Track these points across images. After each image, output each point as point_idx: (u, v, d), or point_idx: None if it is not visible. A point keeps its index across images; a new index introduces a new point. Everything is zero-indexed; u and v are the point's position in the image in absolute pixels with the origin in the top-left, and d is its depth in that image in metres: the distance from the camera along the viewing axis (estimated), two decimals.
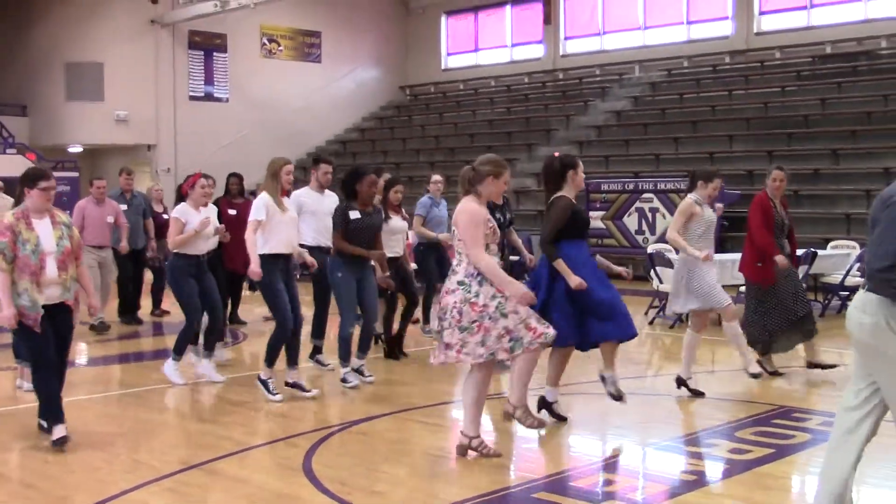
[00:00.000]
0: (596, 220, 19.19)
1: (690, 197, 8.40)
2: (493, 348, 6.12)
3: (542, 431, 6.99)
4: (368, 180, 8.83)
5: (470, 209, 6.21)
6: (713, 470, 6.28)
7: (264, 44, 30.37)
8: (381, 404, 8.12)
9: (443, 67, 32.67)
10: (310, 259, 8.77)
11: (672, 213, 17.57)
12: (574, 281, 6.81)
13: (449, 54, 32.64)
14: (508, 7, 30.82)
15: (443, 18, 32.58)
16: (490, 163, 6.38)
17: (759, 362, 9.02)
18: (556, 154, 7.38)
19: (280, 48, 30.73)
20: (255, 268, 8.03)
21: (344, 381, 8.71)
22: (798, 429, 7.17)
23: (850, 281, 13.27)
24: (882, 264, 4.49)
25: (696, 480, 5.99)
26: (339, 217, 8.71)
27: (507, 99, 29.42)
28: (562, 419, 7.29)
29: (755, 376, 8.80)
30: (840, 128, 20.34)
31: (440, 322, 6.23)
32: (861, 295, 4.73)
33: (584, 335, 7.01)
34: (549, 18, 29.46)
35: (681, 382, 8.27)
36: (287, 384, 8.37)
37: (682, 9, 26.92)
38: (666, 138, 22.73)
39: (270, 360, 8.24)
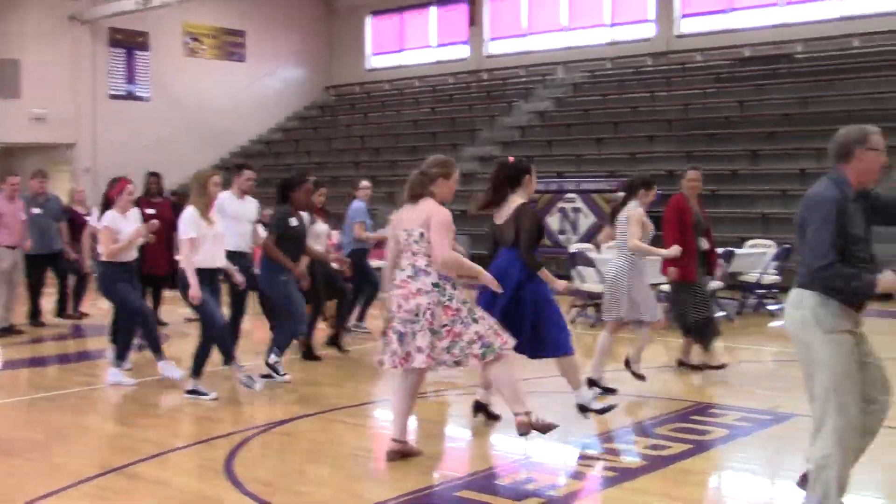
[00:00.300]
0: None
1: (634, 205, 8.42)
2: (458, 356, 6.06)
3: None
4: (306, 188, 9.06)
5: (442, 211, 6.17)
6: (632, 466, 6.37)
7: (187, 42, 30.02)
8: (305, 405, 8.10)
9: (367, 67, 32.64)
10: (239, 279, 8.71)
11: (594, 214, 17.88)
12: (561, 285, 6.98)
13: (374, 54, 32.61)
14: (433, 8, 30.90)
15: (367, 18, 32.53)
16: (438, 164, 6.35)
17: (699, 365, 9.27)
18: (512, 158, 7.29)
19: (203, 47, 30.40)
20: (194, 292, 7.96)
21: (274, 370, 8.79)
22: (715, 424, 7.31)
23: (766, 279, 13.57)
24: (822, 263, 4.66)
25: (616, 477, 6.06)
26: (279, 223, 8.77)
27: (431, 99, 29.49)
28: (495, 418, 7.30)
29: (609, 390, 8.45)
30: (758, 129, 20.76)
31: (408, 324, 6.06)
32: (794, 291, 4.91)
33: (538, 346, 6.99)
34: (473, 19, 29.62)
35: (592, 383, 8.24)
36: (246, 378, 8.41)
37: (605, 11, 27.25)
38: (588, 139, 22.98)
39: (198, 370, 8.25)
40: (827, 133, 18.26)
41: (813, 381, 4.82)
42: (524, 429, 6.17)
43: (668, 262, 9.05)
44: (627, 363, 8.74)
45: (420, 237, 6.12)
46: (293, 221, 8.98)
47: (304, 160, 27.87)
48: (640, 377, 8.62)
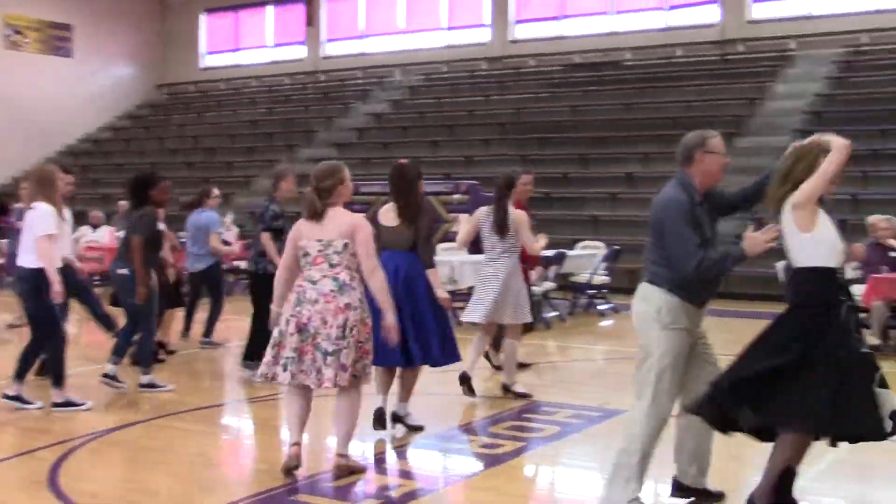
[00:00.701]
0: None
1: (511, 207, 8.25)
2: (360, 372, 5.85)
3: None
4: (162, 186, 8.62)
5: (365, 222, 5.89)
6: (466, 465, 6.48)
7: (8, 35, 28.76)
8: (136, 411, 7.90)
9: (202, 66, 32.05)
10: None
11: (429, 216, 18.00)
12: (442, 294, 6.87)
13: (209, 53, 32.05)
14: (270, 7, 30.58)
15: (202, 16, 31.94)
16: (331, 175, 5.93)
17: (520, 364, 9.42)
18: (405, 161, 7.02)
19: (26, 40, 29.20)
20: (58, 287, 7.49)
21: (152, 385, 8.50)
22: (547, 422, 7.50)
23: (596, 280, 13.99)
24: (693, 262, 4.90)
25: (450, 476, 6.16)
26: (148, 225, 8.36)
27: (268, 99, 29.20)
28: (417, 429, 7.12)
29: (524, 396, 8.37)
30: (588, 134, 21.39)
31: (336, 341, 5.71)
32: (642, 285, 5.21)
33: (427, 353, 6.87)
34: (311, 20, 29.46)
35: (507, 389, 8.28)
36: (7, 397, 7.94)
37: (441, 15, 27.55)
38: (424, 141, 23.20)
39: (21, 373, 7.88)
40: (651, 138, 19.15)
41: (641, 371, 5.12)
42: (341, 472, 5.94)
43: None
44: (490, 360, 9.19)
45: (343, 248, 5.80)
46: (161, 225, 8.63)
47: (135, 160, 27.12)
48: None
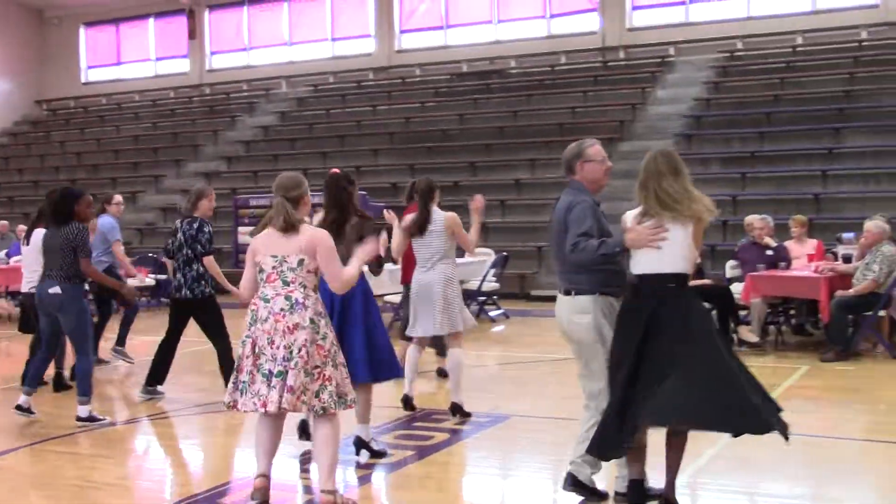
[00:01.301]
0: (245, 235, 19.21)
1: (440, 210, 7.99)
2: (327, 402, 5.41)
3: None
4: (87, 201, 8.22)
5: (326, 236, 5.53)
6: (354, 475, 6.47)
7: None
8: (13, 436, 7.67)
9: (83, 81, 31.33)
10: None
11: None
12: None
13: (89, 67, 31.35)
14: (151, 20, 30.10)
15: (81, 29, 31.23)
16: (295, 186, 5.65)
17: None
18: (338, 170, 6.79)
19: None
20: None
21: (91, 419, 7.99)
22: (437, 430, 7.53)
23: (486, 286, 14.11)
24: (570, 245, 5.14)
25: (339, 486, 6.14)
26: (85, 242, 8.00)
27: (152, 114, 28.68)
28: (382, 455, 6.81)
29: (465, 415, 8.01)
30: (476, 141, 21.59)
31: (282, 362, 5.35)
32: (571, 299, 5.40)
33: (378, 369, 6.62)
34: (193, 33, 29.09)
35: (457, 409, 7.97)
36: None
37: (326, 26, 27.49)
38: (314, 153, 23.11)
39: None
40: (538, 145, 19.41)
41: (591, 377, 5.38)
42: None
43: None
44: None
45: (298, 265, 5.45)
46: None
47: (15, 178, 26.43)
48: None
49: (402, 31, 26.57)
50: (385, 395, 8.87)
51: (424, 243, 7.86)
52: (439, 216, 7.85)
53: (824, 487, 6.02)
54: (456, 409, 7.84)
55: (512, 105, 22.59)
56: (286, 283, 5.44)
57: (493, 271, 14.26)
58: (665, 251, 5.09)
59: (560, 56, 24.01)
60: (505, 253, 14.57)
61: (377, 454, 6.71)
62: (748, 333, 11.01)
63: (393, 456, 6.76)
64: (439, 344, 9.26)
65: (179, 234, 8.71)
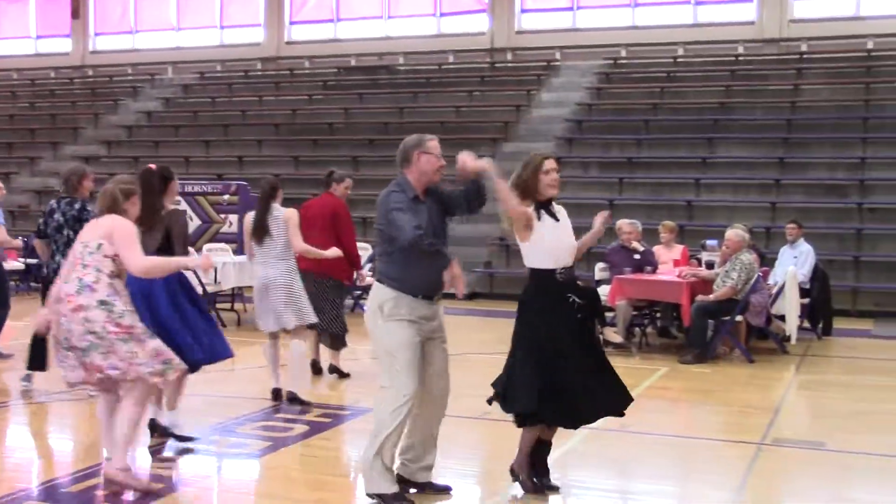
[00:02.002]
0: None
1: (281, 208, 8.17)
2: (125, 371, 5.54)
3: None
4: None
5: (126, 223, 5.75)
6: (209, 466, 6.45)
7: None
8: None
9: None
10: None
11: (199, 217, 17.74)
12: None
13: None
14: None
15: None
16: (131, 182, 6.03)
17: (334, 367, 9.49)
18: (154, 166, 6.92)
19: None
20: None
21: None
22: (297, 421, 7.56)
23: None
24: (408, 234, 5.25)
25: (190, 478, 6.12)
26: None
27: (31, 94, 27.86)
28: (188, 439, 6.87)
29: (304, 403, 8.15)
30: (360, 136, 21.58)
31: (81, 339, 5.51)
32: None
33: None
34: (76, 12, 28.37)
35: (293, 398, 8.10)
36: None
37: (215, 13, 27.13)
38: (197, 141, 22.81)
39: None
40: None
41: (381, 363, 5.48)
42: (108, 484, 5.66)
43: (330, 264, 9.00)
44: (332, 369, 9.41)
45: (97, 248, 5.66)
46: None
47: None
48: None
49: (292, 23, 26.39)
50: (255, 385, 8.87)
51: (266, 240, 8.09)
52: (279, 213, 8.09)
53: (671, 484, 6.22)
54: (293, 399, 8.03)
55: (398, 101, 22.66)
56: (84, 266, 5.65)
57: (369, 265, 14.28)
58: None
59: (448, 55, 24.20)
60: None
61: (184, 439, 6.82)
62: (613, 335, 11.29)
63: (249, 447, 6.76)
64: (333, 338, 9.39)
65: (58, 215, 8.44)
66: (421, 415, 5.51)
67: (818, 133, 18.74)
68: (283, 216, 8.08)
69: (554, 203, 5.76)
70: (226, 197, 17.94)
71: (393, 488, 5.36)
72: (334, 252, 8.48)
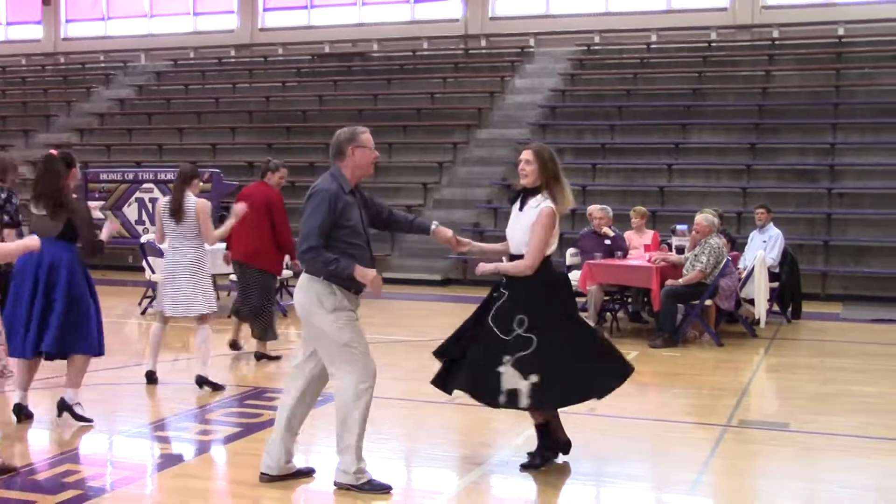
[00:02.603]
0: (95, 210, 18.81)
1: (194, 196, 8.24)
2: None
3: None
4: None
5: None
6: (180, 451, 6.48)
7: None
8: None
9: None
10: None
11: None
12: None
13: None
14: None
15: None
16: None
17: (262, 353, 9.55)
18: (55, 151, 6.99)
19: None
20: None
21: None
22: (267, 407, 7.58)
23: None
24: (306, 246, 5.27)
25: (162, 463, 6.15)
26: None
27: (1, 81, 27.69)
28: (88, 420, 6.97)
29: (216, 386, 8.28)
30: (334, 123, 21.41)
31: None
32: (302, 277, 5.45)
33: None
34: None
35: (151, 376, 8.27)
36: None
37: None
38: (170, 128, 22.73)
39: None
40: (397, 129, 19.50)
41: (324, 357, 5.49)
42: None
43: (261, 254, 9.27)
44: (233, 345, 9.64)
45: None
46: None
47: None
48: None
49: (266, 9, 26.30)
50: (230, 372, 8.88)
51: (177, 226, 8.16)
52: (192, 201, 8.14)
53: (637, 467, 6.29)
54: (202, 381, 8.10)
55: (372, 88, 22.64)
56: None
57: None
58: None
59: (422, 41, 24.19)
60: None
61: (81, 419, 6.90)
62: (584, 320, 11.35)
63: (219, 433, 6.79)
64: (261, 330, 9.40)
65: None
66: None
67: (789, 119, 18.87)
68: (196, 206, 8.15)
69: (541, 195, 5.85)
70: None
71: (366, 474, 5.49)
72: (241, 208, 8.37)
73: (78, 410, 6.91)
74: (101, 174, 19.30)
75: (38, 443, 6.74)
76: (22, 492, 5.52)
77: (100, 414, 7.18)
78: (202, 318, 8.24)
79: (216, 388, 8.13)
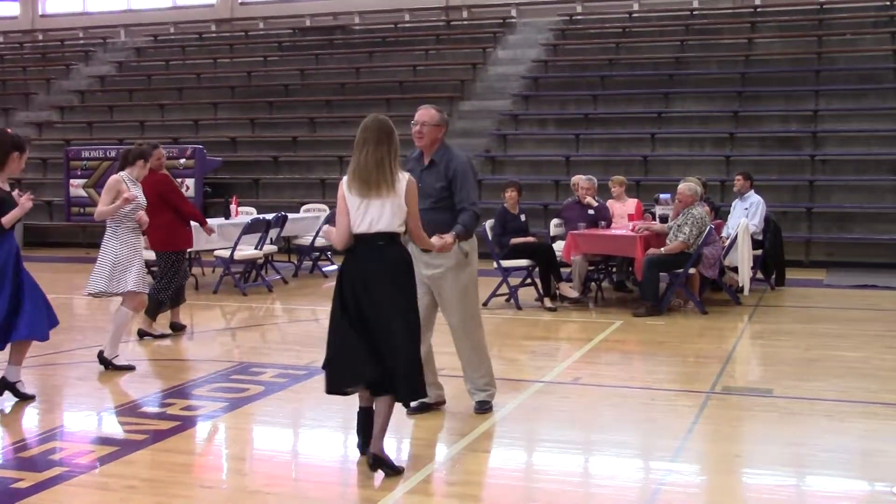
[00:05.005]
0: (77, 188, 18.79)
1: (125, 175, 8.20)
2: None
3: None
4: None
5: None
6: (165, 427, 6.48)
7: None
8: None
9: None
10: None
11: None
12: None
13: None
14: None
15: None
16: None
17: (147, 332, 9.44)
18: (10, 130, 7.06)
19: None
20: None
21: None
22: (253, 382, 7.59)
23: (319, 242, 14.13)
24: (477, 208, 6.40)
25: (146, 440, 6.14)
26: None
27: None
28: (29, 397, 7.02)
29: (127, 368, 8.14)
30: (317, 97, 21.47)
31: None
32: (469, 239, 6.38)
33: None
34: None
35: (106, 362, 8.08)
36: None
37: None
38: (151, 105, 22.60)
39: None
40: (379, 101, 19.43)
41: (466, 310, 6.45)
42: None
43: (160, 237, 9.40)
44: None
45: None
46: None
47: None
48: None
49: None
50: (215, 347, 8.89)
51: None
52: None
53: (622, 434, 6.32)
54: (105, 363, 8.00)
55: (354, 61, 22.54)
56: None
57: (326, 227, 14.26)
58: None
59: (404, 14, 24.08)
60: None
61: (24, 397, 6.94)
62: (568, 290, 11.40)
63: (204, 408, 6.80)
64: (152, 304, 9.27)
65: None
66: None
67: (772, 87, 18.87)
68: (109, 183, 8.12)
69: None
70: (182, 161, 17.86)
71: None
72: (113, 180, 8.18)
73: (21, 388, 6.98)
74: (83, 152, 19.20)
75: (28, 421, 6.74)
76: (9, 470, 5.52)
77: (86, 392, 7.19)
78: (128, 298, 8.10)
79: (119, 369, 7.97)
